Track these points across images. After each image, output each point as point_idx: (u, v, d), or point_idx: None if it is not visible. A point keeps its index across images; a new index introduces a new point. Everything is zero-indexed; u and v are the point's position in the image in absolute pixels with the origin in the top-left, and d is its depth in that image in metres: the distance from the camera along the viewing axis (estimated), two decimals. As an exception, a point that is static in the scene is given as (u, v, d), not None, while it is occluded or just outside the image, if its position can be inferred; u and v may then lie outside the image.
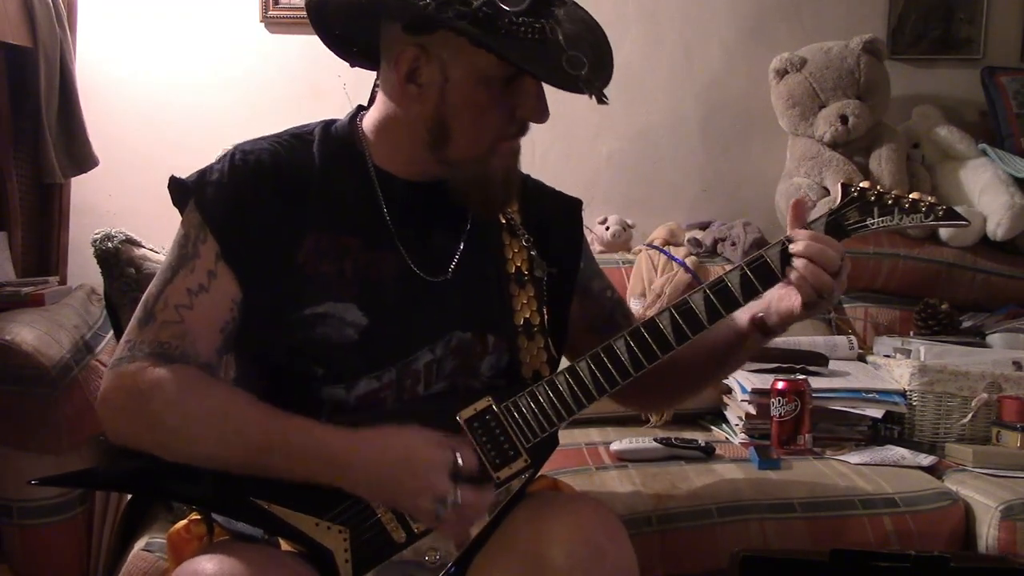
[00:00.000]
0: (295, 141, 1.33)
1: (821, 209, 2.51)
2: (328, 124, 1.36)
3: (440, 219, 1.33)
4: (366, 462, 1.16)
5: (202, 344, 1.22)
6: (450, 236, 1.34)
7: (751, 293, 1.29)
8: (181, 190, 1.28)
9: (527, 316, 1.35)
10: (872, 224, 1.33)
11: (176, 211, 1.30)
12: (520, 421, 1.26)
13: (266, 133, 1.36)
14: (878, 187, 1.36)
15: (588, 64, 1.17)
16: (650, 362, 1.28)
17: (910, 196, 1.35)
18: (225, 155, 1.30)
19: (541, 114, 1.26)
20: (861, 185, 1.35)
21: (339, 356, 1.26)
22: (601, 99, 1.18)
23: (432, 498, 1.14)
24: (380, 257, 1.29)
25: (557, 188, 1.51)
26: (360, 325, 1.26)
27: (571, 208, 1.49)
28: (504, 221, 1.38)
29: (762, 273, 1.29)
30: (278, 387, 1.27)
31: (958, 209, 2.49)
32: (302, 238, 1.27)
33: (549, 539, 1.17)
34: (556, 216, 1.45)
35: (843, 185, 1.36)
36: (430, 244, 1.32)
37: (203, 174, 1.28)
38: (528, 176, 1.47)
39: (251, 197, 1.25)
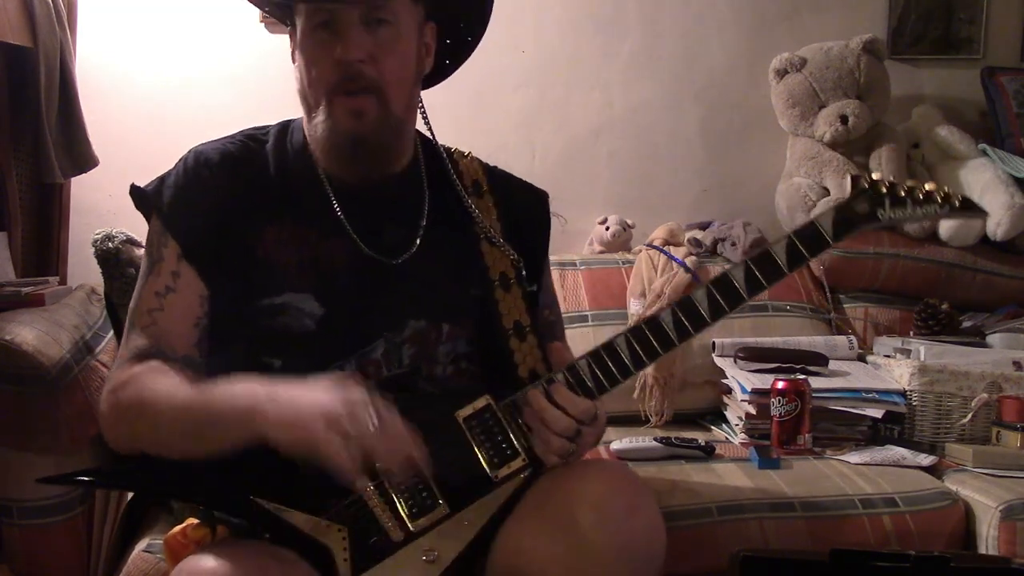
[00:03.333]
0: (248, 141, 1.38)
1: (821, 209, 2.53)
2: (286, 124, 1.41)
3: (392, 213, 1.37)
4: (280, 413, 1.13)
5: (178, 340, 1.28)
6: (406, 229, 1.37)
7: (755, 288, 1.26)
8: (142, 198, 1.35)
9: (517, 319, 1.36)
10: (883, 216, 1.28)
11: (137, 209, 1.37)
12: (519, 420, 1.26)
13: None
14: (891, 178, 1.32)
15: None
16: (651, 360, 1.27)
17: (925, 187, 1.29)
18: (180, 159, 1.36)
19: (343, 50, 1.25)
20: (873, 176, 1.31)
21: (297, 347, 1.29)
22: None
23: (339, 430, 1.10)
24: (334, 246, 1.32)
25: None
26: (317, 315, 1.30)
27: (541, 203, 1.50)
28: (481, 233, 1.39)
29: (766, 268, 1.26)
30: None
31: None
32: (261, 230, 1.31)
33: (578, 500, 1.18)
34: (527, 212, 1.47)
35: (853, 177, 1.31)
36: (384, 235, 1.36)
37: (161, 180, 1.35)
38: (492, 168, 1.49)
39: (205, 194, 1.31)
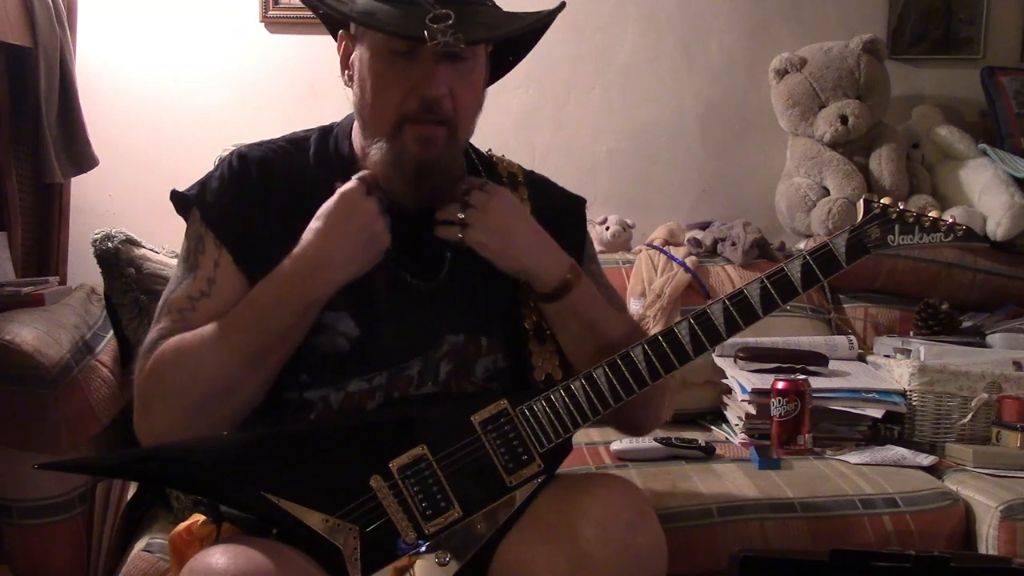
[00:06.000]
0: (291, 147, 1.36)
1: (822, 208, 2.54)
2: (326, 132, 1.38)
3: (430, 227, 1.34)
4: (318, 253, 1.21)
5: None
6: (441, 244, 1.34)
7: (770, 306, 1.30)
8: (183, 202, 1.32)
9: (537, 320, 1.36)
10: (892, 242, 1.34)
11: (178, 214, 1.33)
12: (535, 425, 1.26)
13: (266, 133, 1.37)
14: (900, 204, 1.37)
15: (454, 18, 1.16)
16: (667, 371, 1.28)
17: (930, 215, 1.37)
18: (223, 160, 1.33)
19: (427, 85, 1.23)
20: (883, 202, 1.36)
21: (328, 365, 1.28)
22: (455, 43, 1.16)
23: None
24: (374, 265, 1.29)
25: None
26: (352, 335, 1.29)
27: (575, 207, 1.50)
28: None
29: (781, 286, 1.30)
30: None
31: (958, 209, 2.52)
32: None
33: (581, 515, 1.18)
34: (561, 215, 1.46)
35: (865, 201, 1.37)
36: (421, 251, 1.33)
37: (203, 183, 1.32)
38: (532, 172, 1.48)
39: (251, 200, 1.29)
